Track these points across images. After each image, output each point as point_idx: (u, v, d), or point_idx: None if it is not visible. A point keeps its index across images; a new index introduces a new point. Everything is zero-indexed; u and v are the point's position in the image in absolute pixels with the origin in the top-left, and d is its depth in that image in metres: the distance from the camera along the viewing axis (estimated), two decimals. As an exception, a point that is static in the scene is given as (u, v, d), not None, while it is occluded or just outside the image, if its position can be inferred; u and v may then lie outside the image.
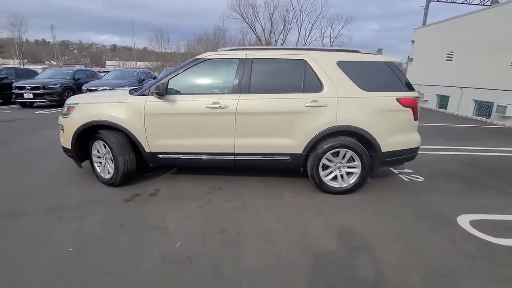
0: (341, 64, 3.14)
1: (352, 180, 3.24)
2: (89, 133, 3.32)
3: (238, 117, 3.10)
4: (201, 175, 3.79)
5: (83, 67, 38.33)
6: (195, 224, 2.62)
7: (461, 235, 2.51)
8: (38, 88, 9.80)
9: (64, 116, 3.39)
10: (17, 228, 2.49)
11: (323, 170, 3.24)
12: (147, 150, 3.26)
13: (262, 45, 35.46)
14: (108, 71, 15.21)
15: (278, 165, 3.29)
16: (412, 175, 3.97)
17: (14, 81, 10.75)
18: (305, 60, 3.14)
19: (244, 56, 3.19)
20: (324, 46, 39.49)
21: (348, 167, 3.23)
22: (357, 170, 3.20)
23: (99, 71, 17.02)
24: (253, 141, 3.18)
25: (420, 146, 3.39)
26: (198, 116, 3.14)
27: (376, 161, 3.21)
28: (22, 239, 2.33)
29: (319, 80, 3.11)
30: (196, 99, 3.15)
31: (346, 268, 2.05)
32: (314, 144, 3.14)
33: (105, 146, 3.28)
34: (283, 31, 38.06)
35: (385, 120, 3.12)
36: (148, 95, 3.17)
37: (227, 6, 50.09)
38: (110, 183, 3.34)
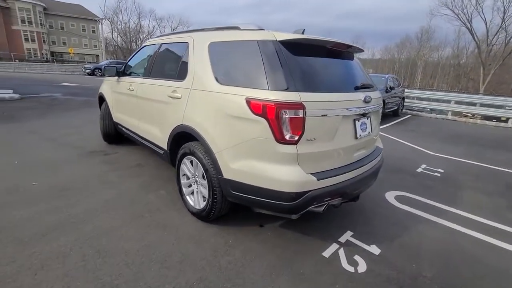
0: (211, 47, 2.31)
1: (203, 203, 2.37)
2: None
3: (138, 100, 3.17)
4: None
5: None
6: (81, 173, 3.25)
7: None
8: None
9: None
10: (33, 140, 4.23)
11: (186, 179, 2.61)
12: (114, 119, 4.09)
13: (480, 49, 25.15)
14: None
15: (159, 156, 3.01)
16: (365, 257, 2.13)
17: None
18: (187, 43, 2.60)
19: (158, 42, 3.14)
20: None
21: (202, 185, 2.39)
22: (206, 192, 2.31)
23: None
24: (144, 125, 3.13)
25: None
26: (125, 96, 3.53)
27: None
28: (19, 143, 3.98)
29: (187, 66, 2.48)
30: (128, 81, 3.51)
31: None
32: (175, 143, 2.61)
33: (105, 113, 4.46)
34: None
35: (231, 131, 2.00)
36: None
37: (437, 2, 38.53)
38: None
